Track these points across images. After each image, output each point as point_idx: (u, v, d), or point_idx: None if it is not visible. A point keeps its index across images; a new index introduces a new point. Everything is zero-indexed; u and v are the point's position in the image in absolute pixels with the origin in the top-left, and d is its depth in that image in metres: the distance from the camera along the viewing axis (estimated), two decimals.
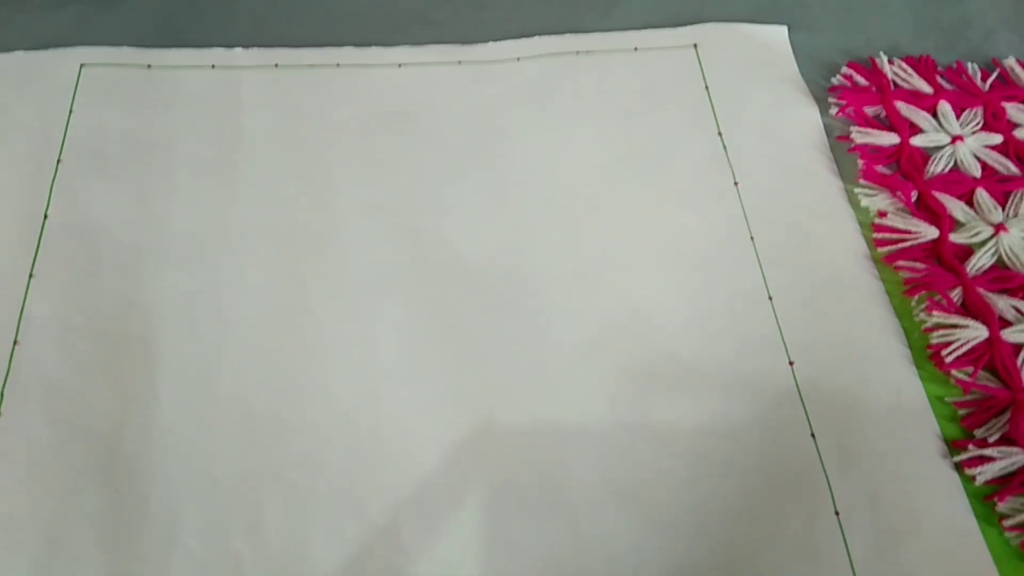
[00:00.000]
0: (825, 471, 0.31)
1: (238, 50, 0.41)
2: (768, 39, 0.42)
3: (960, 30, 0.43)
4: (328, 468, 0.30)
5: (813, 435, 0.32)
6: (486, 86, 0.40)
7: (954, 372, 0.32)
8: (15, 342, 0.32)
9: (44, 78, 0.39)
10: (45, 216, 0.35)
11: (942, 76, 0.41)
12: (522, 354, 0.33)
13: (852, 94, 0.40)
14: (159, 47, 0.40)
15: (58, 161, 0.37)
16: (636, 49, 0.42)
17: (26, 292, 0.33)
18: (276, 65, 0.40)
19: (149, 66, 0.40)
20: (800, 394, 0.32)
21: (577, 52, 0.42)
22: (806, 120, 0.40)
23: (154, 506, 0.29)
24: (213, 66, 0.40)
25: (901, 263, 0.35)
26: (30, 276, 0.34)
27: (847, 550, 0.29)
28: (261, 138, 0.38)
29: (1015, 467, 0.30)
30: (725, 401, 0.32)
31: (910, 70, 0.41)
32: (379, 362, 0.33)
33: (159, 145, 0.38)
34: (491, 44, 0.42)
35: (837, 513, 0.30)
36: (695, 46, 0.42)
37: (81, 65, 0.39)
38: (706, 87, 0.41)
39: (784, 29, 0.43)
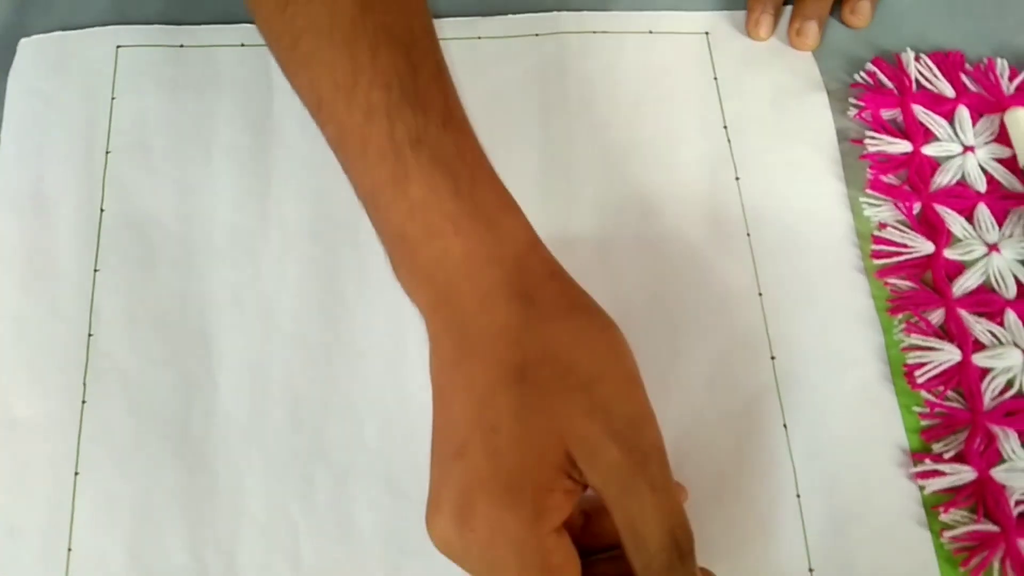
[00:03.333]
0: (792, 458, 0.37)
1: None
2: (783, 26, 0.44)
3: (994, 19, 0.44)
4: (365, 446, 0.37)
5: (785, 425, 0.37)
6: (502, 65, 0.43)
7: (923, 393, 0.38)
8: (89, 334, 0.38)
9: (83, 61, 0.42)
10: (102, 209, 0.40)
11: (968, 75, 0.43)
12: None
13: (871, 97, 0.42)
14: (188, 23, 0.43)
15: (107, 152, 0.41)
16: (651, 32, 0.44)
17: (93, 286, 0.39)
18: None
19: (182, 45, 0.43)
20: (778, 388, 0.38)
21: (594, 32, 0.44)
22: (815, 117, 0.42)
23: (222, 482, 0.36)
24: (243, 44, 0.43)
25: (890, 280, 0.39)
26: (95, 270, 0.39)
27: (803, 529, 0.36)
28: (291, 123, 0.42)
29: (962, 483, 0.36)
30: (710, 390, 0.38)
31: (935, 69, 0.42)
32: (406, 350, 0.38)
33: (197, 132, 0.41)
34: (510, 17, 0.44)
35: (799, 496, 0.36)
36: (707, 34, 0.44)
37: (117, 47, 0.43)
38: (715, 77, 0.43)
39: None
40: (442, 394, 0.30)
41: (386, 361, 0.38)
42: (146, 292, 0.39)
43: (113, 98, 0.42)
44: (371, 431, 0.37)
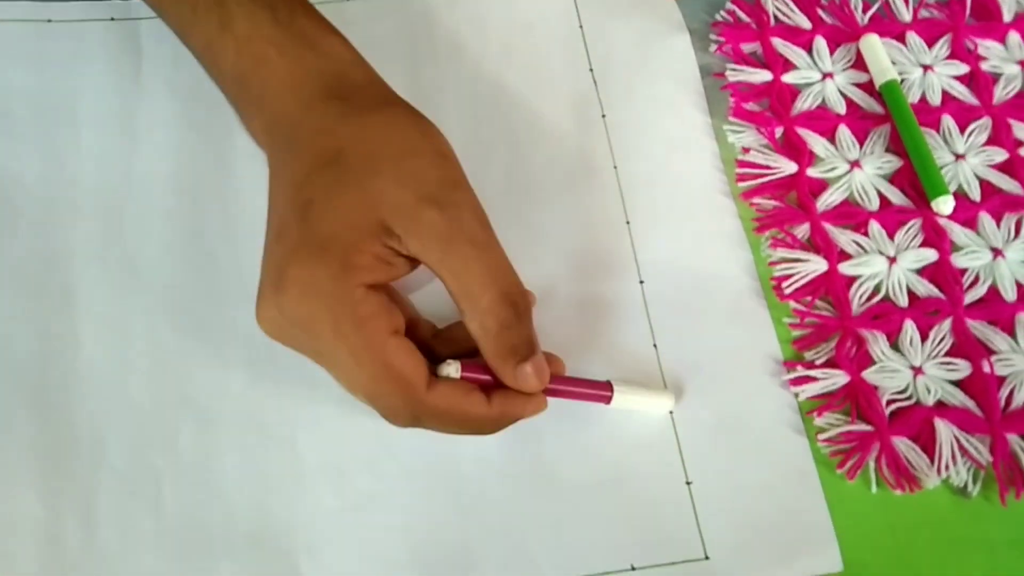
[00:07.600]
0: (663, 374, 0.39)
1: (136, 0, 0.46)
2: None
3: None
4: (232, 392, 0.38)
5: (655, 345, 0.39)
6: (370, 24, 0.46)
7: (793, 303, 0.40)
8: None
9: None
10: None
11: (824, 9, 0.46)
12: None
13: (731, 31, 0.45)
14: (58, 1, 0.46)
15: None
16: None
17: None
18: None
19: (49, 20, 0.45)
20: (647, 310, 0.40)
21: None
22: (677, 56, 0.45)
23: (80, 431, 0.37)
24: (112, 19, 0.46)
25: (755, 200, 0.42)
26: None
27: (678, 442, 0.37)
28: (160, 90, 0.44)
29: (835, 387, 0.38)
30: (583, 315, 0.40)
31: (792, 4, 0.46)
32: None
33: (65, 100, 0.43)
34: None
35: (672, 412, 0.38)
36: None
37: None
38: (580, 26, 0.46)
39: None
40: (272, 200, 0.33)
41: (253, 308, 0.39)
42: (7, 250, 0.40)
43: None
44: (237, 377, 0.38)
